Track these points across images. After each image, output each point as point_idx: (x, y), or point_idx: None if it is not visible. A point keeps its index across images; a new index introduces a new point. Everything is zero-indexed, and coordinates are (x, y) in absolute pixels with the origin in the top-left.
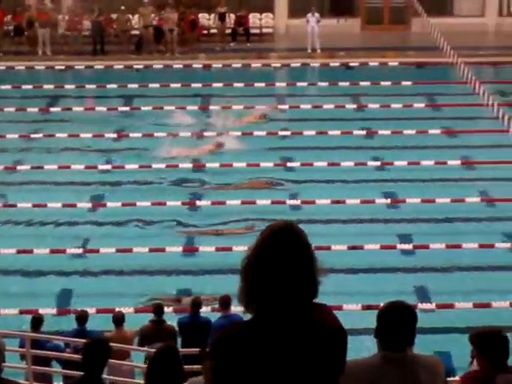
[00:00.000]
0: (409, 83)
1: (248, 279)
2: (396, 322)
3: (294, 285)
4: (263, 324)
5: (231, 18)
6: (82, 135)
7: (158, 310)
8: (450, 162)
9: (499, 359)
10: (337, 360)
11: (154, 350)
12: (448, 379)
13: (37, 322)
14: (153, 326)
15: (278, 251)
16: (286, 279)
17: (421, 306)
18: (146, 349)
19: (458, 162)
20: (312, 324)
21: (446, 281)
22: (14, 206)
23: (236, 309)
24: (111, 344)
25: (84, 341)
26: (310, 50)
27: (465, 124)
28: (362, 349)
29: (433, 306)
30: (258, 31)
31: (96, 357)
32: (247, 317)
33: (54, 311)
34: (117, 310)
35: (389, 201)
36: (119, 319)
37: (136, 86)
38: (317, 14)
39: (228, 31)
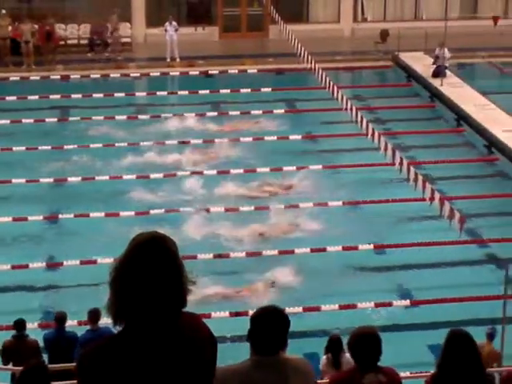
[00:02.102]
0: (268, 90)
1: (115, 292)
2: (268, 326)
3: (161, 296)
4: (131, 337)
5: (88, 28)
6: None
7: (18, 324)
8: (311, 167)
9: (368, 360)
10: (208, 368)
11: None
12: (318, 381)
13: None
14: (14, 341)
15: (143, 262)
16: (152, 290)
17: (288, 309)
18: (9, 367)
19: (320, 166)
20: (181, 333)
21: (311, 283)
22: None
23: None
24: None
25: None
26: (169, 59)
27: (324, 129)
28: (232, 355)
29: (300, 309)
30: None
31: None
32: (117, 330)
33: None
34: None
35: (252, 208)
36: None
37: None
38: (174, 23)
39: (85, 41)
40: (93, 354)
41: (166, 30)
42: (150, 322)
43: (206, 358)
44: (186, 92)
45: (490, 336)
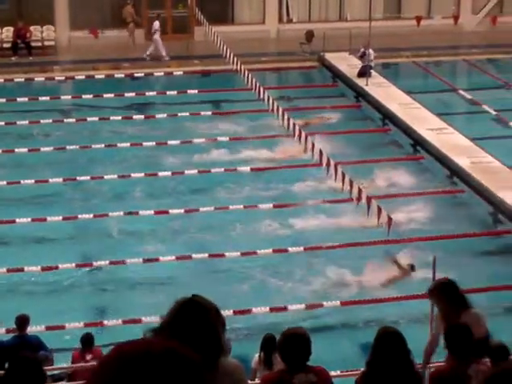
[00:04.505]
0: (194, 92)
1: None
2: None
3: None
4: None
5: (11, 32)
6: None
7: None
8: (239, 169)
9: (298, 360)
10: None
11: None
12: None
13: None
14: None
15: (182, 321)
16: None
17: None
18: None
19: (248, 168)
20: None
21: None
22: None
23: (32, 329)
24: None
25: None
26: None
27: (251, 130)
28: None
29: (230, 312)
30: (39, 44)
31: None
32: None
33: None
34: None
35: (182, 210)
36: None
37: None
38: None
39: (8, 45)
40: None
41: (157, 30)
42: None
43: None
44: (112, 95)
45: None
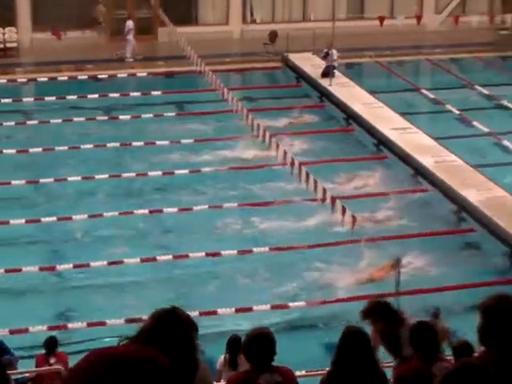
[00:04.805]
0: (158, 93)
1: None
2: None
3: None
4: None
5: None
6: None
7: None
8: (203, 170)
9: (263, 360)
10: None
11: None
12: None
13: None
14: None
15: (161, 333)
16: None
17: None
18: None
19: (212, 169)
20: None
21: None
22: None
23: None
24: None
25: None
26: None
27: (216, 131)
28: None
29: (196, 313)
30: (1, 46)
31: None
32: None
33: None
34: None
35: (147, 211)
36: None
37: None
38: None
39: None
40: None
41: (131, 30)
42: None
43: None
44: (75, 97)
45: (435, 315)
